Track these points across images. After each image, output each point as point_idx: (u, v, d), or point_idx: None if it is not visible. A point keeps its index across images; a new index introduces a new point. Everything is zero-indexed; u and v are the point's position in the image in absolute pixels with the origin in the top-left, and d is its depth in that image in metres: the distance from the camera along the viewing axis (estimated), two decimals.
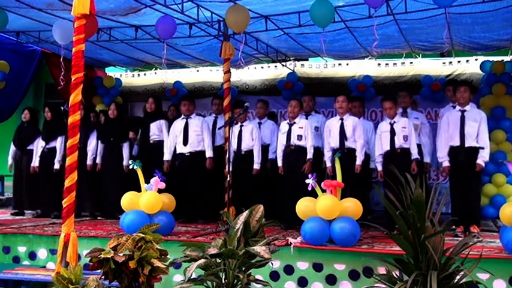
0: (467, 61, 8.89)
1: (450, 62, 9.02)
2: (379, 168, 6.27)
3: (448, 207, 8.66)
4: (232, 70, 7.24)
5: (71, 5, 4.38)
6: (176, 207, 5.87)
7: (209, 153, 6.97)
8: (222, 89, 7.02)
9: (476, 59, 8.76)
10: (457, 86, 6.26)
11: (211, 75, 10.22)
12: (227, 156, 6.19)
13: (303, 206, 5.04)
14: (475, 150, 5.86)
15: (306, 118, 7.01)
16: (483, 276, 3.96)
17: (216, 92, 9.41)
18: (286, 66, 9.64)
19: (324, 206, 4.86)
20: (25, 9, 6.92)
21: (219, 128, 6.76)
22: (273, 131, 7.28)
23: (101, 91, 10.26)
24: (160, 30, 6.77)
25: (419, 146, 6.38)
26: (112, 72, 11.07)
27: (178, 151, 7.06)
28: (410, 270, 3.47)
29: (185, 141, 6.99)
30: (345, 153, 6.18)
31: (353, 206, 4.97)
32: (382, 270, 4.16)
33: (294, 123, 6.59)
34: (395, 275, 3.67)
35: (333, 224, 4.84)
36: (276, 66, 9.88)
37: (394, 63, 9.30)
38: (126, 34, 8.04)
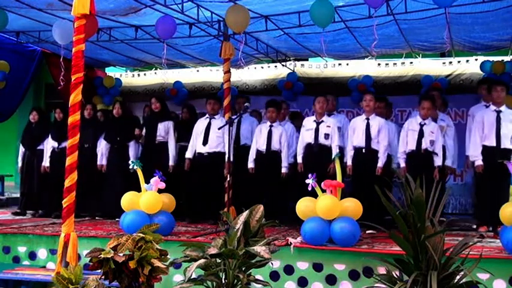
0: (467, 61, 8.90)
1: (450, 62, 9.02)
2: (402, 164, 6.14)
3: (448, 207, 8.74)
4: (232, 70, 7.21)
5: (71, 5, 4.38)
6: (189, 206, 5.77)
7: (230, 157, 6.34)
8: (222, 89, 6.99)
9: (476, 59, 8.77)
10: (493, 85, 6.09)
11: (211, 75, 10.22)
12: (227, 156, 6.17)
13: (303, 206, 5.03)
14: (509, 152, 5.77)
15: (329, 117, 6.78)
16: (483, 276, 3.96)
17: (216, 92, 9.38)
18: (286, 66, 9.64)
19: (324, 206, 4.85)
20: (25, 9, 6.92)
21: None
22: (289, 135, 6.94)
23: (101, 91, 10.27)
24: (160, 30, 6.77)
25: (443, 147, 6.27)
26: (112, 72, 11.08)
27: (197, 150, 6.91)
28: (410, 270, 3.46)
29: (205, 141, 6.83)
30: (367, 154, 6.11)
31: (353, 206, 4.95)
32: (382, 270, 4.15)
33: (322, 121, 6.42)
34: (395, 275, 3.67)
35: (333, 224, 4.83)
36: (276, 66, 9.89)
37: (394, 63, 9.31)
38: (126, 34, 8.05)
